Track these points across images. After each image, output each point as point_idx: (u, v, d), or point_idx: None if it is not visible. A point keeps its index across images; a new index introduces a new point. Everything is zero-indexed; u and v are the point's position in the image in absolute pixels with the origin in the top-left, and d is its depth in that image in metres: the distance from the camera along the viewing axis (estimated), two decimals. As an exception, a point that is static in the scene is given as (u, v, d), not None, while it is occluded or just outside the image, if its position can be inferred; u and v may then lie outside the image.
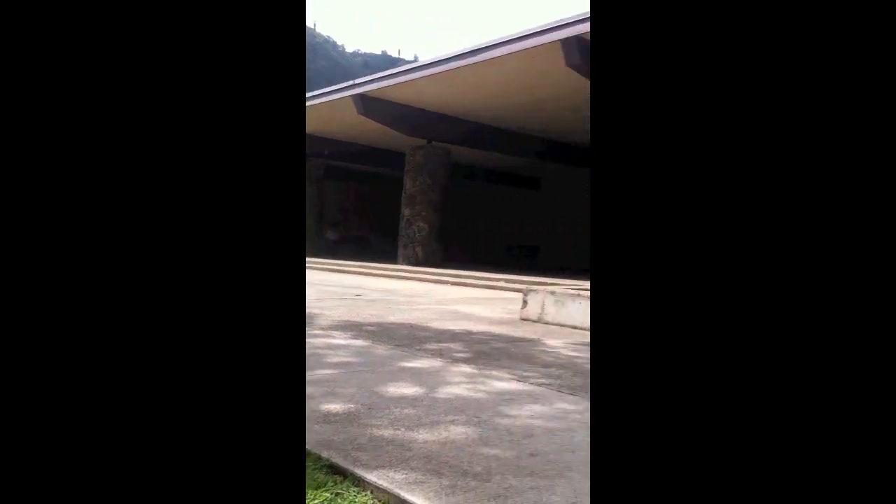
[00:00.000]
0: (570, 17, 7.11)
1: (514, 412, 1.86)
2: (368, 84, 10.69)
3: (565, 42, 7.20)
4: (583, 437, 1.63)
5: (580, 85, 7.90)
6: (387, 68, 12.18)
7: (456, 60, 8.92)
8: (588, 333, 3.94)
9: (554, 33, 7.27)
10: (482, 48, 8.47)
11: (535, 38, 7.59)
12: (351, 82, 11.16)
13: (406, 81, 9.93)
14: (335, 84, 11.64)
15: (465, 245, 15.34)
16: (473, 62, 8.61)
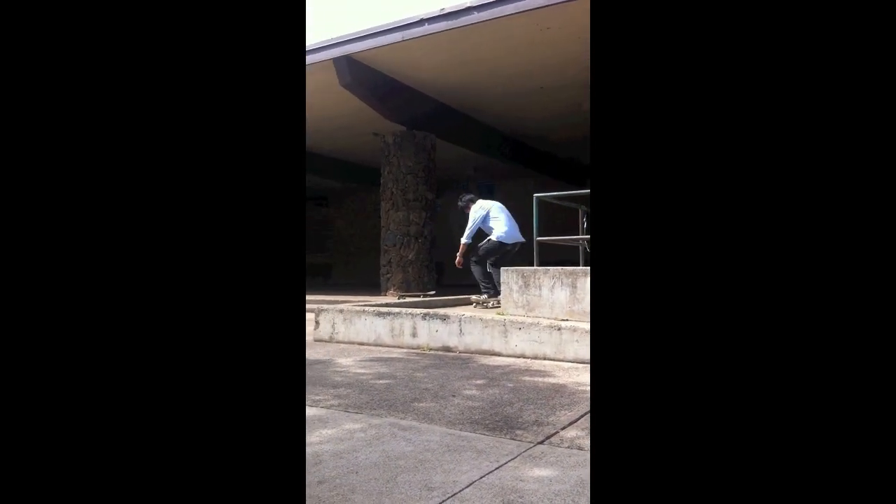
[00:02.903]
0: (342, 37, 6.75)
1: (306, 439, 1.82)
2: None
3: (337, 62, 6.87)
4: (366, 456, 1.65)
5: (356, 105, 7.53)
6: None
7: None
8: (373, 349, 4.00)
9: (326, 52, 6.89)
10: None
11: (309, 56, 6.93)
12: None
13: None
14: None
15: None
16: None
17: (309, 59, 7.21)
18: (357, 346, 4.15)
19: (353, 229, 15.28)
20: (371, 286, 9.61)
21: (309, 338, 4.58)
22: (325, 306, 4.72)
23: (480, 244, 5.50)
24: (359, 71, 7.14)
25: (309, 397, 2.45)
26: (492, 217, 5.53)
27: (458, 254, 5.51)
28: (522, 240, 5.47)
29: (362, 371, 3.14)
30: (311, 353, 3.85)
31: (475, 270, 5.51)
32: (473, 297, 5.46)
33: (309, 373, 3.07)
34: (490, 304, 5.05)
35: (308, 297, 8.68)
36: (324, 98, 8.37)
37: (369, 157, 10.62)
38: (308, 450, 1.71)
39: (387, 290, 8.30)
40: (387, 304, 4.83)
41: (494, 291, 5.28)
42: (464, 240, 5.49)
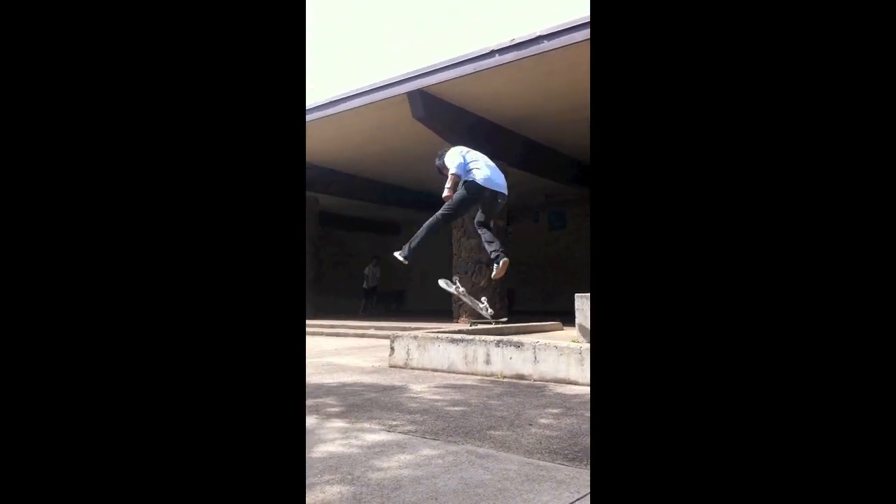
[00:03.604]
0: (415, 71, 7.05)
1: (384, 464, 1.82)
2: None
3: (411, 95, 7.15)
4: (444, 482, 1.63)
5: (427, 136, 7.81)
6: None
7: (316, 112, 8.56)
8: (447, 375, 3.98)
9: (400, 86, 7.21)
10: (340, 99, 8.19)
11: (383, 91, 7.47)
12: None
13: None
14: None
15: (337, 293, 14.99)
16: (329, 114, 8.32)
17: (384, 93, 7.52)
18: (431, 373, 4.15)
19: (424, 256, 15.46)
20: (443, 314, 9.65)
21: (384, 363, 4.63)
22: (399, 333, 4.76)
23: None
24: (431, 103, 7.32)
25: (385, 422, 2.46)
26: (470, 160, 4.47)
27: (446, 186, 4.41)
28: (505, 192, 4.52)
29: (437, 398, 3.13)
30: (386, 378, 3.89)
31: (425, 226, 4.39)
32: (468, 322, 4.55)
33: (384, 398, 3.10)
34: (483, 317, 4.31)
35: (382, 323, 8.83)
36: (398, 130, 8.64)
37: (438, 187, 10.79)
38: (387, 474, 1.71)
39: (459, 316, 8.30)
40: (460, 331, 4.82)
41: (411, 247, 4.37)
42: (452, 170, 4.37)
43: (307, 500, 1.49)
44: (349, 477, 1.69)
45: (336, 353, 5.87)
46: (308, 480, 1.65)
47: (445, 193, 4.44)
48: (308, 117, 8.75)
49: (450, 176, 4.44)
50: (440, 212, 4.42)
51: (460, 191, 4.42)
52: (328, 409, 2.79)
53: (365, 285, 14.63)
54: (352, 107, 8.03)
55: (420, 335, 4.55)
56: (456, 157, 4.52)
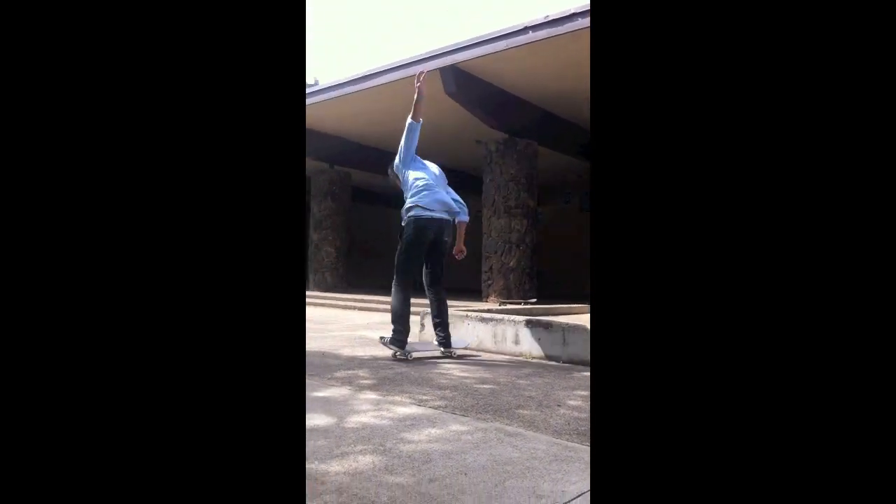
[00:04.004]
0: (448, 46, 6.98)
1: (414, 437, 1.86)
2: None
3: (443, 71, 7.08)
4: (474, 458, 1.66)
5: (460, 113, 7.73)
6: None
7: (350, 86, 8.53)
8: (478, 353, 4.01)
9: (433, 61, 7.13)
10: (371, 74, 8.16)
11: (417, 67, 7.38)
12: None
13: (308, 106, 9.45)
14: None
15: (369, 268, 15.14)
16: (364, 88, 8.28)
17: (417, 68, 7.47)
18: (460, 350, 4.19)
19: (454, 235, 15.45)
20: (472, 292, 9.67)
21: (413, 339, 4.69)
22: (429, 310, 4.80)
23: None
24: (464, 80, 7.25)
25: (415, 396, 2.51)
26: (412, 176, 3.62)
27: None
28: (447, 218, 3.58)
29: (466, 375, 3.16)
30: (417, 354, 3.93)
31: (394, 293, 3.62)
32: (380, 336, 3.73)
33: (414, 373, 3.14)
34: (392, 352, 3.47)
35: (412, 301, 8.84)
36: (428, 107, 8.57)
37: (472, 164, 10.72)
38: (417, 447, 1.75)
39: (487, 296, 8.31)
40: (489, 310, 4.84)
41: (400, 341, 3.46)
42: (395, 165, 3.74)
43: (341, 467, 1.54)
44: (381, 448, 1.73)
45: (368, 327, 5.96)
46: (341, 449, 1.69)
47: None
48: (339, 92, 8.79)
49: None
50: (395, 280, 3.59)
51: (406, 230, 3.50)
52: (360, 382, 2.85)
53: None
54: (385, 81, 7.99)
55: (449, 313, 4.57)
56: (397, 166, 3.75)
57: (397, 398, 2.48)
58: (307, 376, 2.95)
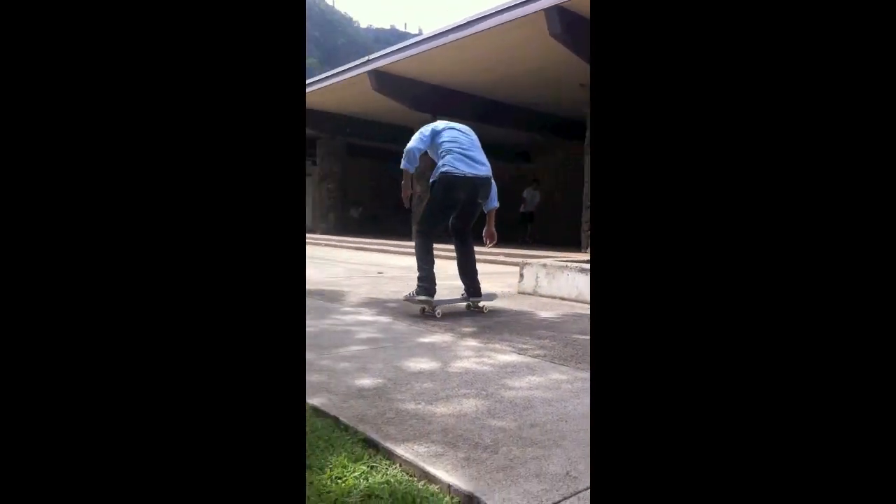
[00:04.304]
0: None
1: (515, 384, 1.92)
2: (380, 59, 10.02)
3: (548, 11, 6.86)
4: (574, 406, 1.69)
5: (564, 56, 7.49)
6: (395, 42, 11.46)
7: (452, 33, 8.41)
8: (574, 304, 3.98)
9: (536, 3, 6.91)
10: (473, 20, 7.99)
11: (519, 9, 7.18)
12: (365, 59, 10.48)
13: (411, 56, 9.40)
14: (352, 60, 10.99)
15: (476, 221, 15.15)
16: (465, 35, 8.14)
17: (519, 11, 7.26)
18: (558, 301, 4.18)
19: (555, 184, 15.10)
20: (571, 243, 9.50)
21: (512, 290, 4.74)
22: (529, 260, 4.81)
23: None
24: (570, 20, 6.94)
25: (515, 345, 2.56)
26: (445, 141, 3.31)
27: (402, 194, 3.48)
28: (486, 174, 3.34)
29: (565, 325, 3.17)
30: (515, 304, 3.99)
31: (416, 243, 3.47)
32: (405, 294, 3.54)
33: (514, 322, 3.20)
34: (419, 306, 3.34)
35: (510, 251, 8.90)
36: (529, 50, 8.30)
37: (574, 109, 10.34)
38: (518, 394, 1.80)
39: (587, 247, 8.13)
40: (588, 261, 4.75)
41: (426, 287, 3.29)
42: (403, 164, 3.34)
43: (447, 409, 1.63)
44: (483, 392, 1.81)
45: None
46: (445, 392, 1.79)
47: (403, 197, 3.45)
48: (436, 42, 8.74)
49: (405, 176, 3.39)
50: (416, 231, 3.51)
51: (432, 190, 3.34)
52: (462, 329, 2.95)
53: (522, 209, 13.25)
54: (484, 28, 7.83)
55: (549, 263, 4.56)
56: (423, 131, 3.37)
57: (498, 346, 2.55)
58: (413, 323, 3.10)
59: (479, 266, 3.68)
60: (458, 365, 2.17)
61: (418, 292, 3.32)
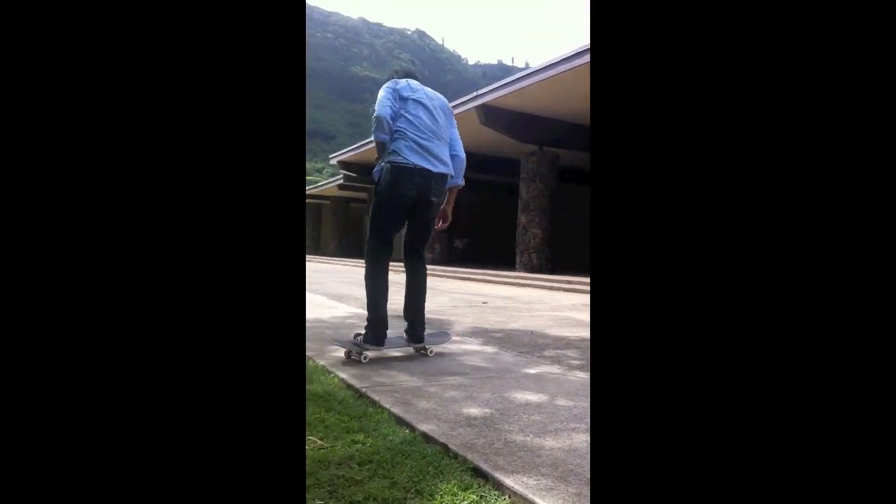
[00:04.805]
0: None
1: (628, 421, 1.83)
2: (487, 95, 10.38)
3: None
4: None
5: None
6: (502, 77, 11.74)
7: (552, 68, 8.56)
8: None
9: None
10: (571, 56, 8.09)
11: None
12: (472, 94, 10.86)
13: (518, 90, 9.64)
14: (461, 97, 11.31)
15: (574, 249, 14.95)
16: (565, 70, 8.28)
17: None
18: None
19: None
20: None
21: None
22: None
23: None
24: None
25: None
26: (402, 118, 2.60)
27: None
28: (443, 171, 2.67)
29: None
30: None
31: (365, 266, 2.74)
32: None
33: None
34: (355, 355, 2.60)
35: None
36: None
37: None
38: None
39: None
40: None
41: (375, 334, 2.64)
42: (379, 136, 2.59)
43: (556, 442, 1.59)
44: (594, 428, 1.74)
45: (573, 307, 5.94)
46: (554, 426, 1.75)
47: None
48: (538, 77, 8.86)
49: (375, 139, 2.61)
50: (367, 245, 2.74)
51: (383, 178, 2.61)
52: (570, 361, 2.88)
53: None
54: (580, 63, 7.87)
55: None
56: (385, 92, 2.63)
57: (608, 380, 2.45)
58: (519, 353, 3.07)
59: (583, 297, 3.58)
60: (567, 397, 2.12)
61: (366, 339, 2.64)
